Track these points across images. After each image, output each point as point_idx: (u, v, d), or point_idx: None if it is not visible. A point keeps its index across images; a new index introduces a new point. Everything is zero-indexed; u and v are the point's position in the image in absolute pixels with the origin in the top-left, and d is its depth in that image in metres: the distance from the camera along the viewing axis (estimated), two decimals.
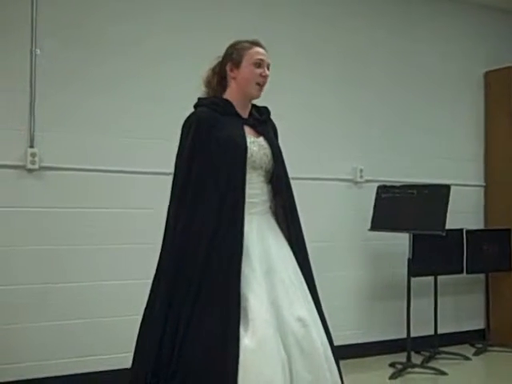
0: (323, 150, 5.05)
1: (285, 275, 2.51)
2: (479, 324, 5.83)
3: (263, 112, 2.79)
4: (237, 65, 2.65)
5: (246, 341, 2.30)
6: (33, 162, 3.98)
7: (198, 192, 2.47)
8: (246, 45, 2.67)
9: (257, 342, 2.30)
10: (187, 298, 2.37)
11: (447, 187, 4.78)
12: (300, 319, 2.43)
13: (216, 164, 2.50)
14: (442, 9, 5.74)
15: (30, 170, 4.00)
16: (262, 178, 2.63)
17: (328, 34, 5.12)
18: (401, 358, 4.87)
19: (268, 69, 2.67)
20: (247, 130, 2.65)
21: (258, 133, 2.67)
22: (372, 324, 5.22)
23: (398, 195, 4.90)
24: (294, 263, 2.61)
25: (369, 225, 4.90)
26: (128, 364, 2.59)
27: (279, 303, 2.43)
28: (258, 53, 2.65)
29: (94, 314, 4.15)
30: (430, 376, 4.69)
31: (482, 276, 5.75)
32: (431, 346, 5.20)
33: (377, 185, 5.04)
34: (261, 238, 2.54)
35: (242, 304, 2.36)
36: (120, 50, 4.30)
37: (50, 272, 4.04)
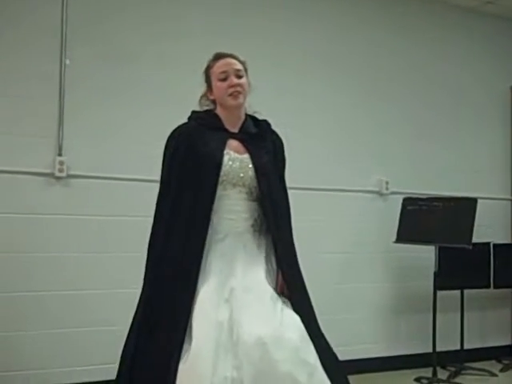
0: (349, 162, 5.05)
1: (251, 295, 2.41)
2: (506, 340, 5.74)
3: (262, 126, 2.73)
4: (210, 87, 2.66)
5: (181, 365, 2.28)
6: (61, 170, 4.04)
7: (174, 206, 2.51)
8: (210, 63, 2.66)
9: (189, 363, 2.27)
10: (144, 321, 2.47)
11: (474, 200, 4.73)
12: (259, 338, 2.25)
13: (191, 179, 2.51)
14: (467, 22, 5.71)
15: (58, 178, 4.05)
16: (243, 195, 2.57)
17: (353, 46, 5.14)
18: (426, 372, 4.80)
19: (238, 74, 2.59)
20: (233, 145, 2.59)
21: (246, 148, 2.60)
22: (397, 337, 5.17)
23: (423, 208, 4.86)
24: (264, 283, 2.48)
25: (394, 237, 4.87)
26: None
27: (237, 323, 2.31)
28: (220, 66, 2.60)
29: (118, 322, 4.17)
30: None
31: (509, 291, 5.67)
32: (457, 362, 5.12)
33: (402, 197, 5.01)
34: (229, 260, 2.48)
35: (189, 326, 2.34)
36: (149, 61, 4.35)
37: (75, 279, 4.08)
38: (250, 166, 2.56)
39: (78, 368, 4.08)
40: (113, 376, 3.89)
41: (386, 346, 5.10)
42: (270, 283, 2.49)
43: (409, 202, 4.95)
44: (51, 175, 4.04)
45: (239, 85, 2.57)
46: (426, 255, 4.94)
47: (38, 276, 3.99)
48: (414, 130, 5.38)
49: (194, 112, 2.73)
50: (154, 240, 2.53)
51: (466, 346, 5.20)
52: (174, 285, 2.41)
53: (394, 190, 5.19)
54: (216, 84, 2.60)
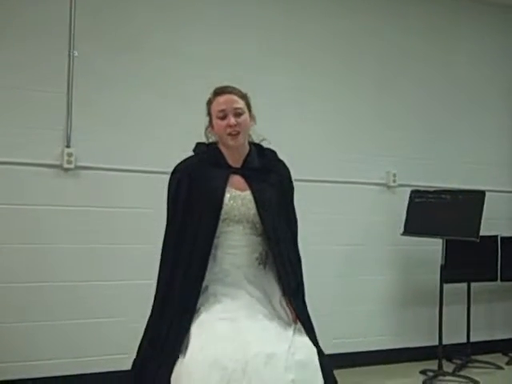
0: (357, 155, 5.04)
1: (257, 322, 2.41)
2: None
3: (267, 157, 2.71)
4: (210, 122, 2.64)
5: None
6: (69, 162, 4.06)
7: (177, 246, 2.53)
8: (211, 98, 2.62)
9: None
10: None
11: (482, 193, 4.71)
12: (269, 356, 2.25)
13: (193, 218, 2.52)
14: (474, 16, 5.67)
15: (67, 170, 4.07)
16: (247, 231, 2.57)
17: (363, 42, 5.12)
18: (432, 365, 4.81)
19: (237, 112, 2.54)
20: (235, 181, 2.58)
21: (248, 184, 2.59)
22: (403, 330, 5.18)
23: (431, 200, 4.86)
24: (269, 315, 2.49)
25: (401, 229, 4.87)
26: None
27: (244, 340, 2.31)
28: (219, 103, 2.56)
29: (126, 313, 4.20)
30: None
31: None
32: (463, 354, 5.13)
33: (410, 189, 5.00)
34: (233, 296, 2.49)
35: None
36: (157, 52, 4.35)
37: (84, 269, 4.11)
38: (252, 202, 2.56)
39: (88, 358, 4.12)
40: (119, 367, 3.96)
41: (392, 339, 5.12)
42: (274, 317, 2.49)
43: (416, 195, 4.94)
44: (60, 167, 4.06)
45: (238, 125, 2.53)
46: (433, 248, 4.94)
47: (45, 267, 4.02)
48: (422, 122, 5.36)
49: (198, 145, 2.72)
50: (160, 277, 2.56)
51: (472, 339, 5.21)
52: (175, 322, 2.44)
53: (402, 182, 5.18)
54: (215, 122, 2.58)
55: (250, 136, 2.68)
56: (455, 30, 5.58)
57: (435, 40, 5.45)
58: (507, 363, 5.22)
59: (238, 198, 2.55)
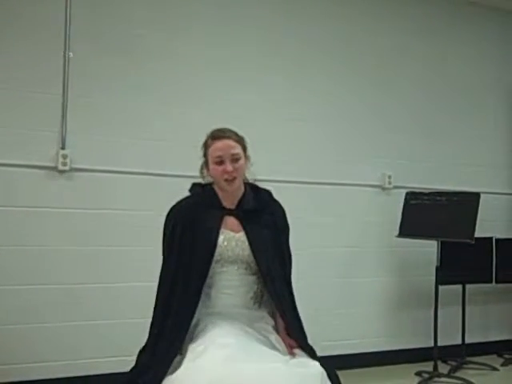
0: (353, 156, 5.05)
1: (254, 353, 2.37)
2: (508, 334, 5.74)
3: (262, 197, 2.72)
4: (207, 164, 2.64)
5: None
6: (64, 164, 4.04)
7: (172, 286, 2.53)
8: (208, 142, 2.62)
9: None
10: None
11: (477, 195, 4.72)
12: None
13: (187, 259, 2.54)
14: (473, 17, 5.69)
15: (61, 171, 4.06)
16: (242, 271, 2.59)
17: (361, 43, 5.13)
18: (427, 367, 4.81)
19: (234, 158, 2.55)
20: (229, 222, 2.61)
21: (242, 225, 2.61)
22: (398, 332, 5.19)
23: (426, 202, 4.86)
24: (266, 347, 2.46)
25: (397, 231, 4.87)
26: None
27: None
28: (216, 149, 2.56)
29: (123, 314, 4.19)
30: None
31: (511, 286, 5.67)
32: (458, 356, 5.14)
33: (405, 191, 5.01)
34: (226, 332, 2.45)
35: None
36: (153, 54, 4.35)
37: (80, 271, 4.10)
38: (246, 243, 2.58)
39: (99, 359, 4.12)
40: (116, 369, 3.96)
41: (387, 340, 5.12)
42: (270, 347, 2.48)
43: (412, 197, 4.95)
44: (54, 169, 4.05)
45: (235, 170, 2.55)
46: (428, 250, 4.95)
47: (40, 269, 4.00)
48: (418, 124, 5.37)
49: (193, 185, 2.74)
50: (154, 315, 2.57)
51: (467, 341, 5.22)
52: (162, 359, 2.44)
53: (397, 184, 5.19)
54: (212, 166, 2.59)
55: (245, 177, 2.69)
56: (453, 33, 5.59)
57: (433, 42, 5.47)
58: (502, 364, 5.23)
59: (232, 239, 2.59)
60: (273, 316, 2.67)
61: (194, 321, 2.53)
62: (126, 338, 4.14)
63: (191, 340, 2.44)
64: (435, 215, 4.78)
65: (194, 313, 2.50)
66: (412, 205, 4.92)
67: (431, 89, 5.45)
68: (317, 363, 2.32)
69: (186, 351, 2.39)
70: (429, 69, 5.44)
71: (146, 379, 2.38)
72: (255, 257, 2.57)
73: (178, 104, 4.39)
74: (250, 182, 2.73)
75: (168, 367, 2.36)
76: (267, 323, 2.62)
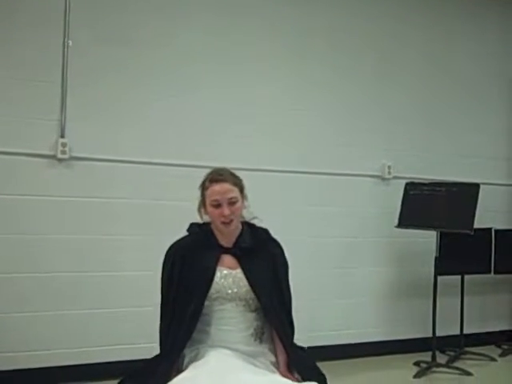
0: (352, 146, 5.04)
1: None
2: (506, 325, 5.76)
3: (259, 236, 2.73)
4: (204, 206, 2.65)
5: None
6: (63, 152, 4.03)
7: (170, 324, 2.58)
8: (206, 184, 2.63)
9: None
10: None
11: (476, 186, 4.72)
12: None
13: (184, 296, 2.57)
14: (474, 8, 5.66)
15: (61, 160, 4.05)
16: (241, 308, 2.60)
17: (361, 32, 5.11)
18: (426, 357, 4.82)
19: (231, 201, 2.57)
20: (226, 260, 2.64)
21: (239, 262, 2.64)
22: (397, 322, 5.20)
23: (426, 193, 4.86)
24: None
25: (396, 222, 4.87)
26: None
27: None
28: (213, 193, 2.58)
29: (125, 303, 4.20)
30: (454, 376, 4.64)
31: (510, 276, 5.67)
32: (457, 346, 5.15)
33: (405, 182, 5.00)
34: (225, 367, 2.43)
35: None
36: (152, 43, 4.33)
37: (79, 260, 4.10)
38: (244, 280, 2.60)
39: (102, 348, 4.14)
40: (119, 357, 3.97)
41: (386, 330, 5.13)
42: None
43: (411, 187, 4.94)
44: (53, 157, 4.04)
45: (232, 213, 2.58)
46: (427, 240, 4.95)
47: (38, 257, 4.00)
48: (418, 115, 5.36)
49: (191, 225, 2.74)
50: (160, 350, 2.62)
51: (465, 331, 5.23)
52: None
53: (397, 174, 5.18)
54: (209, 208, 2.61)
55: (242, 216, 2.70)
56: (455, 24, 5.57)
57: (435, 33, 5.45)
58: (500, 355, 5.25)
59: (228, 276, 2.61)
60: (273, 352, 2.66)
61: (193, 354, 2.55)
62: (128, 327, 4.16)
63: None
64: (434, 206, 4.78)
65: (181, 351, 2.54)
66: (411, 195, 4.91)
67: (432, 80, 5.43)
68: None
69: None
70: (430, 60, 5.42)
71: None
72: (255, 292, 2.59)
73: (177, 92, 4.38)
74: (247, 220, 2.75)
75: None
76: (267, 359, 2.61)
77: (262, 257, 2.69)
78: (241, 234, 2.69)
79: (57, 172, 4.05)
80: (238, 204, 2.61)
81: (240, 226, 2.70)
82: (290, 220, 4.60)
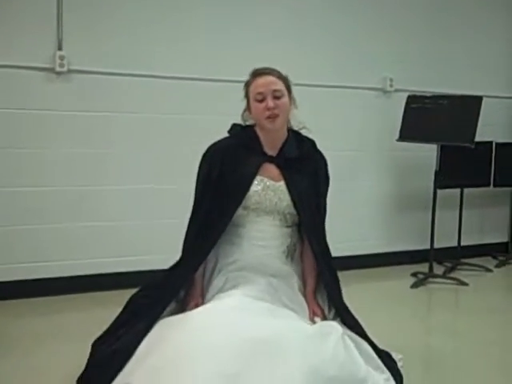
0: (353, 58, 4.94)
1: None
2: (503, 237, 5.86)
3: (305, 146, 2.62)
4: (248, 105, 2.54)
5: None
6: (61, 65, 3.96)
7: (200, 228, 2.51)
8: (249, 80, 2.52)
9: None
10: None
11: (479, 98, 4.66)
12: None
13: (218, 203, 2.48)
14: None
15: (59, 73, 3.98)
16: (277, 222, 2.54)
17: None
18: (423, 268, 4.92)
19: (276, 95, 2.45)
20: (268, 169, 2.53)
21: (282, 175, 2.53)
22: (396, 234, 5.27)
23: (428, 106, 4.80)
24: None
25: (397, 135, 4.84)
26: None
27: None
28: (257, 86, 2.46)
29: (128, 216, 4.24)
30: (450, 286, 4.75)
31: (508, 189, 5.72)
32: (454, 258, 5.25)
33: (407, 94, 4.94)
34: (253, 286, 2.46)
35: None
36: None
37: (78, 174, 4.10)
38: (286, 194, 2.51)
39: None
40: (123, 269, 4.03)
41: (385, 243, 5.21)
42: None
43: (413, 100, 4.88)
44: (51, 70, 3.96)
45: (277, 107, 2.43)
46: (428, 154, 4.94)
47: (37, 171, 4.00)
48: (420, 26, 5.23)
49: (233, 126, 2.62)
50: (181, 258, 2.56)
51: (463, 243, 5.31)
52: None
53: (399, 87, 5.11)
54: (253, 104, 2.48)
55: (289, 122, 2.59)
56: None
57: None
58: (496, 266, 5.36)
59: (270, 187, 2.50)
60: (300, 276, 2.63)
61: (223, 280, 2.50)
62: (130, 239, 4.21)
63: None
64: (436, 119, 4.74)
65: (205, 257, 2.50)
66: (413, 108, 4.86)
67: None
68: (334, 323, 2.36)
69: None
70: None
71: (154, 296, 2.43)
72: (296, 208, 2.51)
73: (173, 8, 4.25)
74: (295, 129, 2.64)
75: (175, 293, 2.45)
76: (294, 283, 2.58)
77: (306, 170, 2.59)
78: (286, 142, 2.58)
79: (55, 86, 3.99)
80: (284, 99, 2.49)
81: (286, 133, 2.58)
82: None
